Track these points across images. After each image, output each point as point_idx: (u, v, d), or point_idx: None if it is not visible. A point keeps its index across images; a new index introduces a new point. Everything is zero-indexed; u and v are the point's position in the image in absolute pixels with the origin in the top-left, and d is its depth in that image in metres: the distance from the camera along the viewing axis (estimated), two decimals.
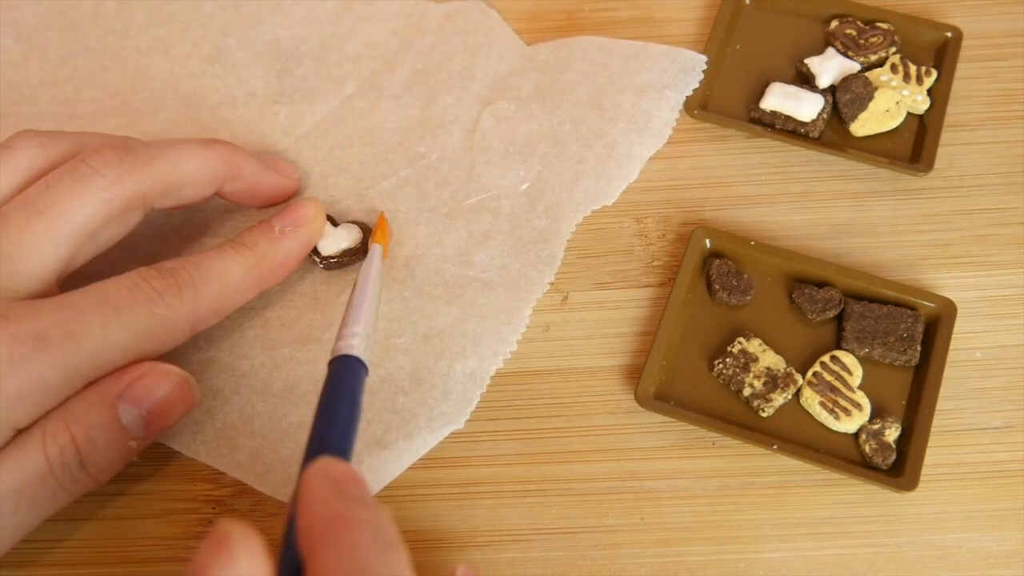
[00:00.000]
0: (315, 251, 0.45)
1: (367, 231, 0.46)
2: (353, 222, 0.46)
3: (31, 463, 0.36)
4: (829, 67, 0.49)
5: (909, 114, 0.48)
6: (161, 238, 0.46)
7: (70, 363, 0.36)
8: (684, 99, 0.49)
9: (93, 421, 0.37)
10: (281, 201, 0.47)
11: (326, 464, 0.31)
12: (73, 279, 0.40)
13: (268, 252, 0.42)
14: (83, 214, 0.39)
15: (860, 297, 0.43)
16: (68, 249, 0.39)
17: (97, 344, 0.37)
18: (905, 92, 0.48)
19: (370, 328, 0.39)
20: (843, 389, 0.41)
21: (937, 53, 0.50)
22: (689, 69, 0.49)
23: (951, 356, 0.42)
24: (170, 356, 0.40)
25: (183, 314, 0.39)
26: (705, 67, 0.49)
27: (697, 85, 0.49)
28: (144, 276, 0.39)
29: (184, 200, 0.43)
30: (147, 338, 0.38)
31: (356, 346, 0.38)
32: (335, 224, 0.46)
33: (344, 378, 0.37)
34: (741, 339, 0.42)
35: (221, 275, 0.40)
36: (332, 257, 0.45)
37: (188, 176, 0.42)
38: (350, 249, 0.45)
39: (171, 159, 0.41)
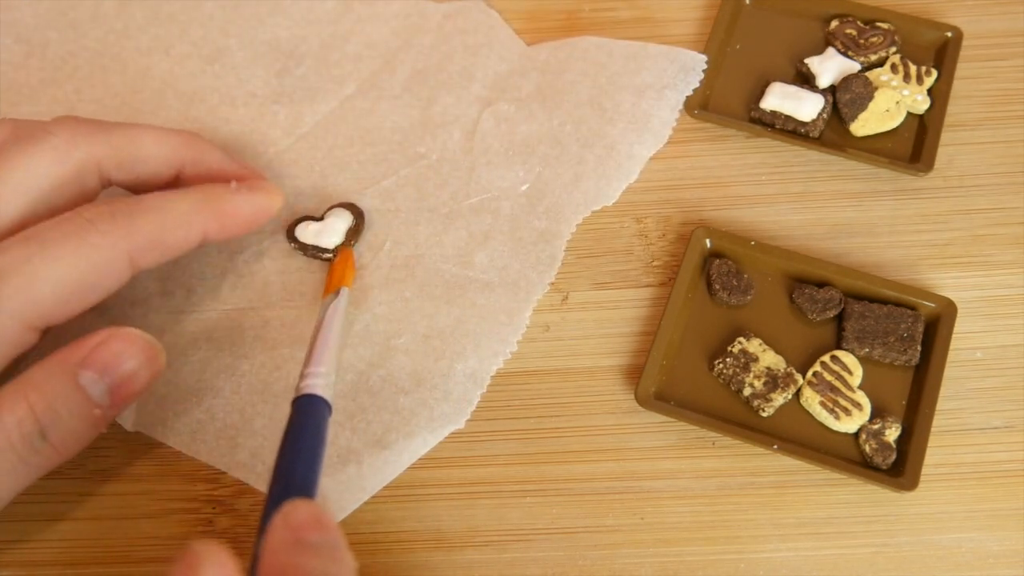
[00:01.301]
0: (319, 248, 0.45)
1: (356, 211, 0.46)
2: (337, 206, 0.46)
3: None
4: (829, 67, 0.49)
5: (909, 114, 0.48)
6: None
7: None
8: (684, 99, 0.49)
9: (54, 389, 0.35)
10: None
11: (290, 511, 0.31)
12: None
13: (219, 195, 0.41)
14: (32, 173, 0.38)
15: (860, 297, 0.43)
16: (19, 208, 0.38)
17: (25, 280, 0.36)
18: (905, 92, 0.48)
19: (333, 367, 0.39)
20: (843, 389, 0.41)
21: (937, 53, 0.50)
22: (689, 69, 0.49)
23: (951, 356, 0.42)
24: (170, 355, 0.40)
25: (118, 241, 0.38)
26: (705, 67, 0.49)
27: (697, 85, 0.49)
28: (77, 211, 0.38)
29: (143, 175, 0.42)
30: (80, 269, 0.37)
31: (320, 385, 0.38)
32: (320, 219, 0.46)
33: (308, 418, 0.37)
34: (741, 339, 0.42)
35: (163, 206, 0.39)
36: (338, 245, 0.45)
37: (146, 150, 0.41)
38: (350, 228, 0.45)
39: (131, 131, 0.41)
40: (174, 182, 0.43)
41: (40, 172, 0.39)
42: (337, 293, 0.42)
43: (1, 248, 0.36)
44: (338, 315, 0.41)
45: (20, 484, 0.36)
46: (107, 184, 0.42)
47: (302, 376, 0.38)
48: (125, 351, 0.37)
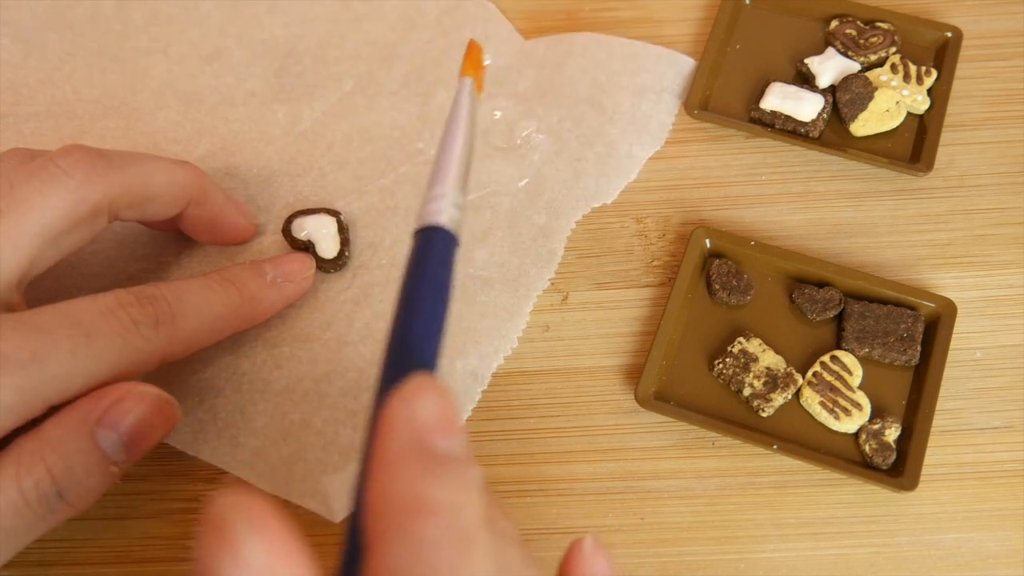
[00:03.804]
0: (319, 259, 0.45)
1: (336, 215, 0.46)
2: (316, 212, 0.46)
3: (5, 498, 0.34)
4: (829, 67, 0.49)
5: (909, 114, 0.48)
6: (164, 237, 0.46)
7: (31, 386, 0.34)
8: (679, 103, 0.49)
9: (71, 449, 0.35)
10: (237, 242, 0.46)
11: (411, 396, 0.25)
12: (48, 285, 0.39)
13: (255, 296, 0.41)
14: (48, 216, 0.37)
15: (860, 297, 0.43)
16: (31, 252, 0.37)
17: (63, 369, 0.35)
18: (905, 92, 0.48)
19: (459, 184, 0.32)
20: (843, 389, 0.41)
21: (937, 53, 0.50)
22: (680, 73, 0.50)
23: (951, 356, 0.42)
24: None
25: (157, 347, 0.37)
26: (692, 71, 0.49)
27: (682, 89, 0.49)
28: (122, 302, 0.37)
29: (148, 215, 0.42)
30: (115, 367, 0.36)
31: (443, 211, 0.31)
32: (306, 246, 0.45)
33: (430, 255, 0.30)
34: (741, 339, 0.42)
35: (201, 310, 0.39)
36: (341, 256, 0.45)
37: (157, 189, 0.41)
38: (340, 228, 0.45)
39: (142, 169, 0.40)
40: (176, 219, 0.43)
41: (57, 215, 0.38)
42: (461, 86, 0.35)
43: (45, 329, 0.35)
44: (460, 117, 0.34)
45: (33, 538, 0.36)
46: (113, 221, 0.41)
47: (424, 201, 0.32)
48: (141, 408, 0.36)
